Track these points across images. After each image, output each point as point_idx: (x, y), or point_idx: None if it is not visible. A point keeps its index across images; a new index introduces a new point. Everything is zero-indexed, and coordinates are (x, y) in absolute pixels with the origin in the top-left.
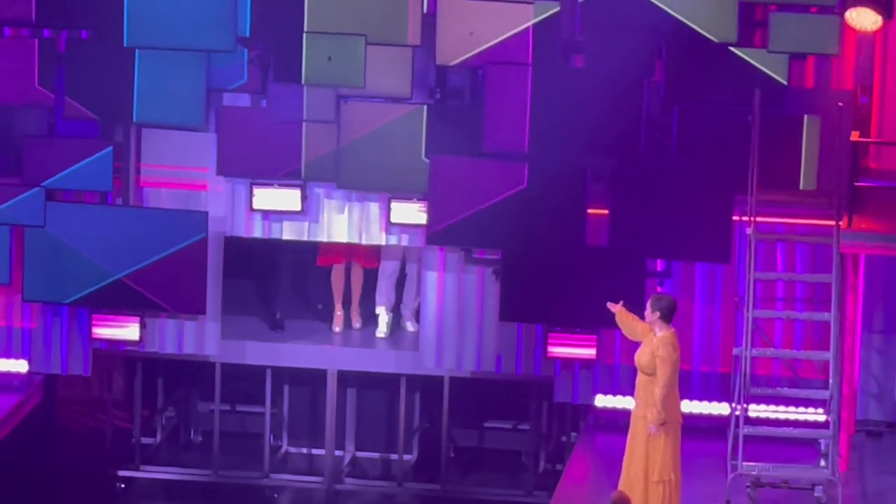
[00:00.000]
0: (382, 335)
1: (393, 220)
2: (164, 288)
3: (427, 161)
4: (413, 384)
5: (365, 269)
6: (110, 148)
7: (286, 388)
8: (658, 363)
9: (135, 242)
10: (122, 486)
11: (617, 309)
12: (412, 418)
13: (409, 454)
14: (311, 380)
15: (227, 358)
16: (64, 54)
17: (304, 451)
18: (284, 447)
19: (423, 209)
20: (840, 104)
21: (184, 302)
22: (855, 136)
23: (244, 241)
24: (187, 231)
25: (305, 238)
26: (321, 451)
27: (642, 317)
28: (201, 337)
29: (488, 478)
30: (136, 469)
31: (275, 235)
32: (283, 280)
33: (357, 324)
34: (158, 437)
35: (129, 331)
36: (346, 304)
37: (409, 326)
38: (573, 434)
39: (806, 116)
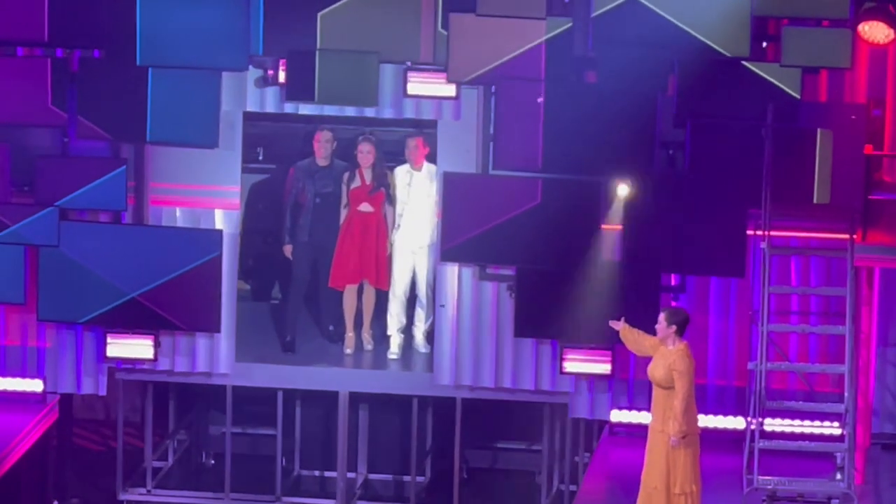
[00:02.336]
0: (394, 356)
1: (409, 91)
2: (178, 306)
3: (443, 32)
4: (425, 405)
5: (376, 290)
6: (123, 167)
7: (298, 410)
8: (676, 377)
9: (149, 261)
10: None
11: (620, 326)
12: (425, 440)
13: (421, 476)
14: (323, 401)
15: (239, 380)
16: (77, 74)
17: (317, 473)
18: (296, 470)
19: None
20: (853, 117)
21: (198, 320)
22: (868, 149)
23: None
24: (201, 249)
25: (321, 113)
26: (333, 474)
27: (652, 332)
28: (216, 355)
29: (501, 499)
30: (149, 493)
31: (289, 110)
32: (294, 302)
33: (369, 345)
34: (170, 461)
35: (143, 350)
36: (358, 326)
37: (421, 348)
38: (587, 454)
39: (819, 130)
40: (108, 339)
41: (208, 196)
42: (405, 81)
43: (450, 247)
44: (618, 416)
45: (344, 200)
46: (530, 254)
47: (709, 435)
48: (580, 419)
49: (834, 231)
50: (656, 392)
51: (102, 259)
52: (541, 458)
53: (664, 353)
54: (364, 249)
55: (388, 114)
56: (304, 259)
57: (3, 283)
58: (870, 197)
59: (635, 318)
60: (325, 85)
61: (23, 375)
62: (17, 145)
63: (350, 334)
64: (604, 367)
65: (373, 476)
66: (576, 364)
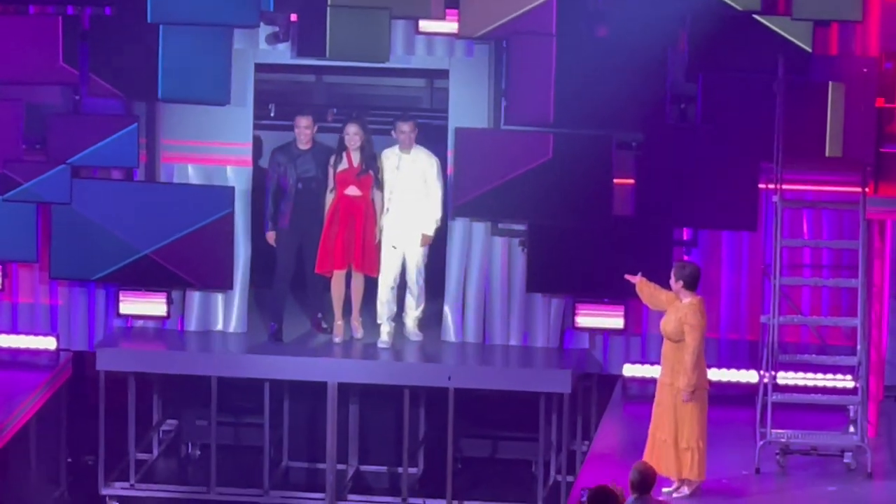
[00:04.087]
0: (384, 345)
1: (421, 28)
2: (190, 263)
3: None
4: (417, 395)
5: (366, 276)
6: (135, 124)
7: (286, 401)
8: (687, 330)
9: (161, 218)
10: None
11: (637, 280)
12: (417, 430)
13: (414, 467)
14: (312, 391)
15: (224, 371)
16: (88, 31)
17: (306, 465)
18: (285, 462)
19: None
20: (864, 70)
21: (211, 277)
22: (880, 102)
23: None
24: (213, 206)
25: (332, 62)
26: (323, 466)
27: (665, 286)
28: (229, 312)
29: (496, 490)
30: (132, 487)
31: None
32: (280, 290)
33: (358, 333)
34: (155, 453)
35: (156, 307)
36: (347, 313)
37: (412, 336)
38: (585, 443)
39: (831, 83)
40: (121, 297)
41: (220, 153)
42: (416, 21)
43: (462, 202)
44: (631, 370)
45: (331, 184)
46: (542, 209)
47: (722, 389)
48: (577, 412)
49: (846, 184)
50: (666, 345)
51: (114, 216)
52: (537, 448)
53: (677, 307)
54: (351, 234)
55: (398, 53)
56: (287, 246)
57: (15, 241)
58: (881, 150)
59: (647, 273)
60: (337, 41)
61: (36, 333)
62: (29, 103)
63: (339, 322)
64: (616, 322)
65: (364, 468)
66: (588, 319)
